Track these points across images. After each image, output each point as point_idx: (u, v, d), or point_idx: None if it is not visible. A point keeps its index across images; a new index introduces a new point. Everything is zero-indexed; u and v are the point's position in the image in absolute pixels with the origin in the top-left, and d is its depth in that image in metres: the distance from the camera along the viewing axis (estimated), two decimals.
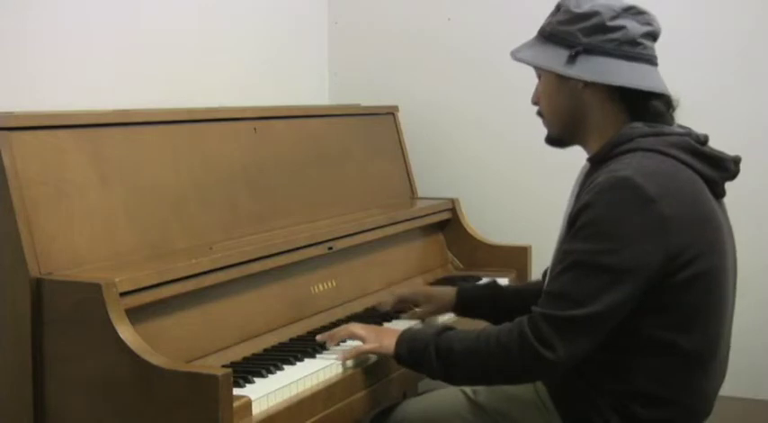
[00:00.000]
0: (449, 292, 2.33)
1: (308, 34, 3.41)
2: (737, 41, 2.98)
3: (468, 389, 2.06)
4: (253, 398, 1.75)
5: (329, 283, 2.43)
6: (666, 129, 1.87)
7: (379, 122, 3.11)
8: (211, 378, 1.63)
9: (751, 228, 2.82)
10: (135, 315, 1.79)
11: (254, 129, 2.49)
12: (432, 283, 2.73)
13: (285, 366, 1.98)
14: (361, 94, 3.35)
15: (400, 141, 3.17)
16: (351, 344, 2.08)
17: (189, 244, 2.14)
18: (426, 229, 2.97)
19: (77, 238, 1.91)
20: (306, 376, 1.93)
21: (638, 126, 1.87)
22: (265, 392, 1.82)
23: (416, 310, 2.39)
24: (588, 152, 1.95)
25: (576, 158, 2.00)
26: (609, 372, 1.83)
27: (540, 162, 2.78)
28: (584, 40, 1.86)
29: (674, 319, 1.79)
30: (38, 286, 1.80)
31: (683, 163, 1.83)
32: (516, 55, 1.96)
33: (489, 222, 3.19)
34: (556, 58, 1.89)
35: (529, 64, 1.95)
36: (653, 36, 1.90)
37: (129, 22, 2.57)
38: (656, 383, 1.81)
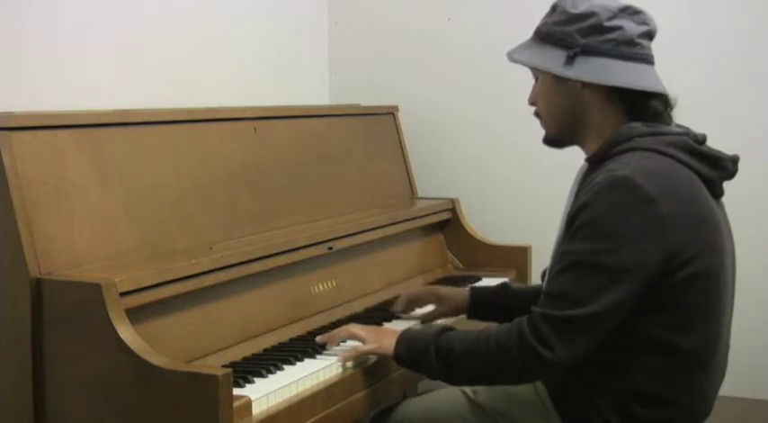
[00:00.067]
0: (461, 293, 2.33)
1: (308, 34, 3.41)
2: (737, 41, 2.98)
3: (468, 389, 2.06)
4: (253, 398, 1.75)
5: (329, 283, 2.43)
6: (664, 128, 1.87)
7: (379, 122, 3.11)
8: (211, 378, 1.63)
9: (751, 227, 2.82)
10: (135, 315, 1.79)
11: (254, 129, 2.49)
12: (431, 284, 2.73)
13: (285, 366, 1.98)
14: (361, 94, 3.35)
15: (400, 141, 3.17)
16: (351, 344, 2.08)
17: (189, 244, 2.14)
18: (426, 229, 2.97)
19: (77, 238, 1.91)
20: (306, 376, 1.93)
21: (636, 126, 1.87)
22: (265, 392, 1.82)
23: (427, 310, 2.39)
24: (586, 152, 1.96)
25: (575, 158, 2.00)
26: (608, 371, 1.84)
27: (540, 162, 2.79)
28: (582, 40, 1.86)
29: (673, 319, 1.80)
30: (38, 286, 1.80)
31: (681, 162, 1.83)
32: (513, 56, 1.96)
33: (489, 222, 3.19)
34: (553, 60, 1.89)
35: (526, 65, 1.95)
36: (650, 35, 1.90)
37: (129, 22, 2.57)
38: (656, 383, 1.81)
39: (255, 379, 1.89)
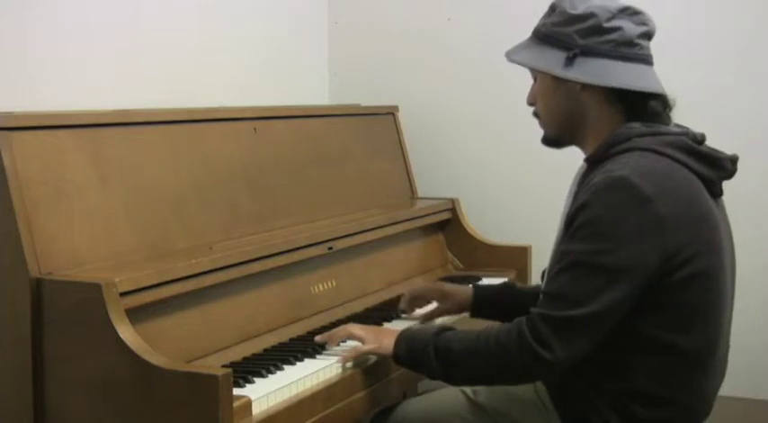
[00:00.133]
0: (464, 290, 2.33)
1: (308, 34, 3.41)
2: (737, 41, 2.98)
3: (468, 389, 2.06)
4: (253, 398, 1.75)
5: (329, 283, 2.43)
6: (663, 128, 1.87)
7: (379, 122, 3.11)
8: (211, 378, 1.63)
9: (750, 227, 2.82)
10: (135, 315, 1.79)
11: (254, 129, 2.49)
12: None
13: (285, 366, 1.98)
14: (361, 94, 3.35)
15: (400, 141, 3.17)
16: (350, 344, 2.08)
17: (189, 244, 2.14)
18: (426, 229, 2.97)
19: (77, 238, 1.91)
20: (306, 376, 1.93)
21: (635, 126, 1.87)
22: (265, 392, 1.82)
23: (430, 308, 2.39)
24: (585, 152, 1.96)
25: (575, 158, 2.00)
26: (608, 371, 1.84)
27: (540, 162, 2.79)
28: (581, 41, 1.86)
29: (672, 319, 1.80)
30: (38, 286, 1.80)
31: (679, 162, 1.83)
32: (512, 57, 1.96)
33: (489, 222, 3.19)
34: (553, 61, 1.89)
35: (526, 66, 1.95)
36: (648, 36, 1.90)
37: (129, 22, 2.57)
38: (656, 383, 1.81)
39: (255, 379, 1.89)
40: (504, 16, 3.20)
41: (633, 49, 1.86)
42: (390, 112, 3.17)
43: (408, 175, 3.17)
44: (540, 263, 2.57)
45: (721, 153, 1.89)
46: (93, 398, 1.77)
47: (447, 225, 3.07)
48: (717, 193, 1.90)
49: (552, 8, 1.93)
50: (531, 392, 2.01)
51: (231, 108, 2.62)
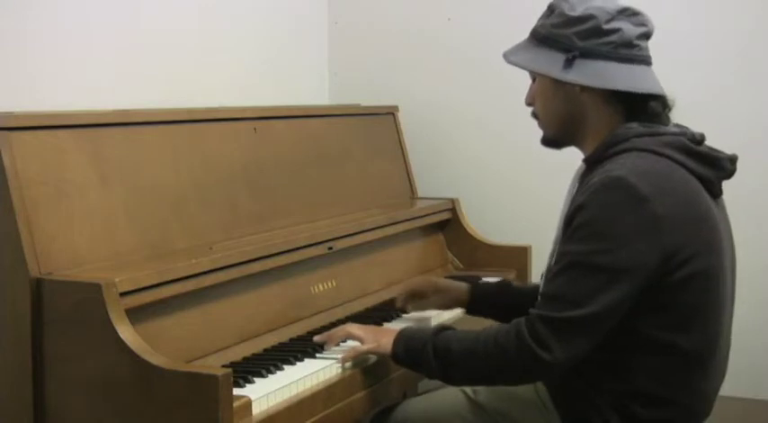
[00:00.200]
0: (460, 286, 2.33)
1: (308, 34, 3.41)
2: (737, 41, 2.98)
3: (468, 388, 2.06)
4: (253, 398, 1.75)
5: (329, 283, 2.43)
6: (661, 128, 1.87)
7: (379, 122, 3.11)
8: (211, 378, 1.63)
9: (751, 227, 2.82)
10: (135, 315, 1.79)
11: (254, 129, 2.49)
12: None
13: (285, 366, 1.99)
14: (361, 94, 3.35)
15: (400, 141, 3.17)
16: (350, 344, 2.08)
17: (189, 244, 2.14)
18: (426, 229, 2.97)
19: (77, 238, 1.91)
20: (306, 376, 1.93)
21: (634, 126, 1.87)
22: (265, 392, 1.82)
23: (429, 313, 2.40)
24: (584, 153, 1.96)
25: (575, 158, 2.00)
26: (608, 371, 1.84)
27: (540, 162, 2.79)
28: (580, 43, 1.86)
29: (672, 319, 1.80)
30: (38, 286, 1.80)
31: (678, 162, 1.83)
32: (510, 58, 1.96)
33: (489, 222, 3.19)
34: (552, 63, 1.88)
35: (525, 68, 1.95)
36: (647, 36, 1.90)
37: (129, 22, 2.57)
38: (656, 383, 1.81)
39: (255, 379, 1.89)
40: (504, 16, 3.20)
41: (632, 51, 1.86)
42: (390, 112, 3.17)
43: (408, 175, 3.17)
44: (540, 263, 2.56)
45: (720, 153, 1.89)
46: (93, 398, 1.77)
47: (447, 225, 3.07)
48: (716, 193, 1.90)
49: (551, 9, 1.93)
50: (531, 392, 2.01)
51: (231, 108, 2.62)
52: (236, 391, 1.72)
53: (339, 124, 2.88)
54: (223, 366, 1.93)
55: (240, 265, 2.10)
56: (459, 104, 3.32)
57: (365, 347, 2.01)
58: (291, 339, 2.21)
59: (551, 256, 1.91)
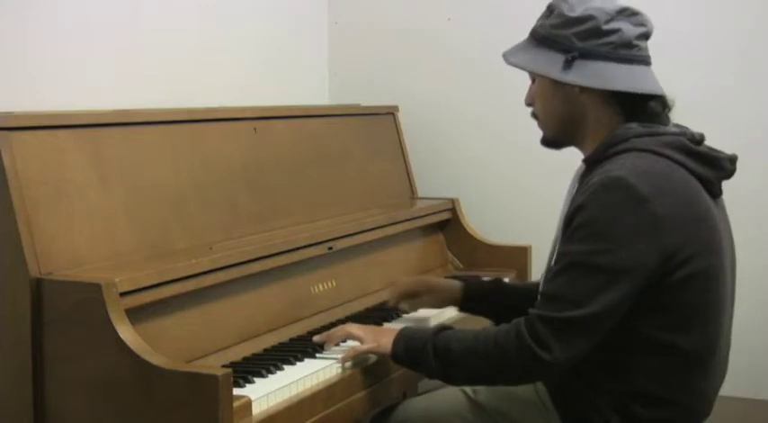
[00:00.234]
0: (454, 285, 2.33)
1: (308, 34, 3.41)
2: (737, 41, 2.98)
3: (468, 388, 2.06)
4: (253, 398, 1.75)
5: (329, 283, 2.43)
6: (661, 129, 1.87)
7: (379, 122, 3.11)
8: (211, 378, 1.63)
9: (751, 227, 2.82)
10: (135, 315, 1.79)
11: (254, 129, 2.49)
12: None
13: (285, 366, 1.99)
14: (361, 94, 3.35)
15: (400, 141, 3.17)
16: (350, 344, 2.08)
17: (189, 244, 2.14)
18: (426, 229, 2.97)
19: (77, 238, 1.91)
20: (306, 376, 1.93)
21: (633, 126, 1.87)
22: (265, 392, 1.82)
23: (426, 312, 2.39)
24: (584, 153, 1.96)
25: (575, 158, 2.00)
26: (608, 372, 1.84)
27: (540, 162, 2.79)
28: (580, 44, 1.86)
29: (672, 319, 1.80)
30: (38, 286, 1.80)
31: (677, 163, 1.83)
32: (510, 59, 1.96)
33: (489, 222, 3.19)
34: (551, 63, 1.88)
35: (524, 69, 1.95)
36: (646, 36, 1.90)
37: (129, 22, 2.57)
38: (656, 383, 1.81)
39: (255, 379, 1.89)
40: (504, 16, 3.20)
41: (632, 51, 1.86)
42: (390, 112, 3.17)
43: (408, 175, 3.17)
44: (540, 263, 2.56)
45: (720, 153, 1.89)
46: (93, 398, 1.77)
47: (447, 225, 3.07)
48: (716, 193, 1.90)
49: (550, 9, 1.93)
50: (531, 392, 2.01)
51: (231, 108, 2.62)
52: (236, 391, 1.72)
53: (339, 124, 2.88)
54: (223, 366, 1.93)
55: (240, 265, 2.10)
56: (459, 104, 3.32)
57: (365, 347, 2.01)
58: (291, 339, 2.21)
59: (551, 256, 1.91)
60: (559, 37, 1.88)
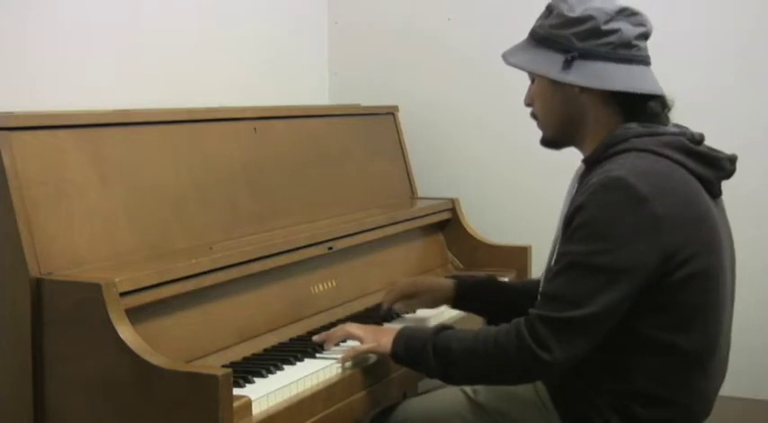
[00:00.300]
0: (446, 284, 2.32)
1: (308, 34, 3.41)
2: (737, 41, 2.98)
3: (468, 388, 2.06)
4: (253, 398, 1.75)
5: (329, 283, 2.43)
6: (661, 129, 1.87)
7: (379, 122, 3.11)
8: (211, 378, 1.63)
9: (750, 227, 2.82)
10: (135, 315, 1.79)
11: (254, 129, 2.49)
12: None
13: (285, 366, 1.99)
14: (361, 94, 3.35)
15: (400, 141, 3.17)
16: (349, 344, 2.08)
17: (189, 244, 2.14)
18: (426, 229, 2.97)
19: (77, 238, 1.91)
20: (306, 376, 1.93)
21: (633, 126, 1.87)
22: (265, 392, 1.82)
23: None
24: (583, 153, 1.96)
25: (575, 158, 2.00)
26: (608, 372, 1.84)
27: (540, 162, 2.79)
28: (579, 44, 1.86)
29: (672, 319, 1.80)
30: (38, 286, 1.80)
31: (677, 163, 1.83)
32: (509, 59, 1.96)
33: (489, 222, 3.19)
34: (551, 64, 1.88)
35: (524, 69, 1.95)
36: (646, 36, 1.90)
37: (129, 22, 2.57)
38: (656, 383, 1.82)
39: (255, 379, 1.89)
40: (504, 16, 3.20)
41: (631, 51, 1.86)
42: (390, 112, 3.17)
43: (408, 175, 3.17)
44: (540, 263, 2.56)
45: (720, 153, 1.89)
46: (93, 398, 1.77)
47: (447, 225, 3.07)
48: (715, 193, 1.90)
49: (549, 9, 1.93)
50: (531, 392, 2.01)
51: (231, 108, 2.62)
52: (236, 391, 1.72)
53: (339, 124, 2.88)
54: (223, 366, 1.93)
55: (240, 265, 2.10)
56: (459, 104, 3.32)
57: (365, 347, 2.01)
58: (291, 339, 2.21)
59: (551, 256, 1.91)
60: (559, 37, 1.88)
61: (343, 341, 2.11)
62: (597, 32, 1.85)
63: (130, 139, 2.12)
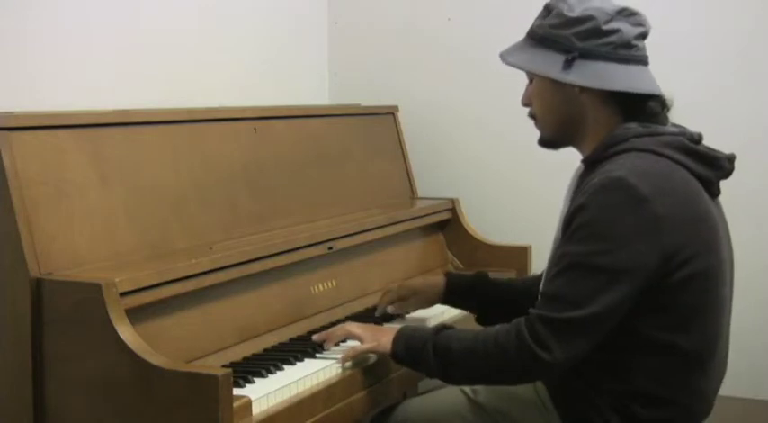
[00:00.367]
0: (437, 284, 2.31)
1: (308, 34, 3.41)
2: (737, 41, 2.98)
3: (468, 388, 2.06)
4: (253, 398, 1.75)
5: (329, 283, 2.43)
6: (660, 128, 1.87)
7: (379, 122, 3.11)
8: (211, 378, 1.63)
9: (750, 227, 2.82)
10: (135, 315, 1.80)
11: (254, 129, 2.49)
12: None
13: (285, 366, 1.99)
14: (361, 94, 3.35)
15: (400, 141, 3.17)
16: (349, 344, 2.08)
17: (189, 244, 2.14)
18: (426, 229, 2.97)
19: (77, 238, 1.91)
20: (306, 376, 1.93)
21: (632, 126, 1.87)
22: (265, 392, 1.82)
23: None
24: (582, 153, 1.96)
25: (575, 159, 2.00)
26: (608, 372, 1.84)
27: (540, 162, 2.79)
28: (580, 44, 1.85)
29: (672, 319, 1.80)
30: (38, 286, 1.80)
31: (677, 162, 1.83)
32: (508, 59, 1.95)
33: (489, 222, 3.19)
34: (551, 64, 1.88)
35: (523, 69, 1.95)
36: (644, 36, 1.90)
37: (129, 22, 2.57)
38: (656, 383, 1.82)
39: (255, 379, 1.90)
40: (504, 16, 3.20)
41: (631, 51, 1.86)
42: (390, 112, 3.17)
43: (408, 175, 3.17)
44: (540, 263, 2.57)
45: (718, 152, 1.90)
46: (93, 398, 1.77)
47: (447, 225, 3.07)
48: (715, 193, 1.90)
49: (548, 9, 1.93)
50: (531, 392, 2.01)
51: (231, 108, 2.62)
52: (236, 391, 1.72)
53: (339, 124, 2.88)
54: (223, 366, 1.94)
55: (240, 265, 2.10)
56: (459, 104, 3.32)
57: (365, 346, 2.01)
58: (291, 339, 2.21)
59: (551, 256, 1.91)
60: (559, 37, 1.87)
61: (343, 341, 2.11)
62: (598, 32, 1.85)
63: (130, 139, 2.12)
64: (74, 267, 1.87)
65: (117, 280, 1.77)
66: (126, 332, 1.72)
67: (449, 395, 2.09)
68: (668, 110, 1.92)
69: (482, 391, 2.06)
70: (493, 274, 2.33)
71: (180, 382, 1.66)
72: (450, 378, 1.91)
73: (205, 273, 2.00)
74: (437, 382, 1.96)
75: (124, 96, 2.50)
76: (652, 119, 1.88)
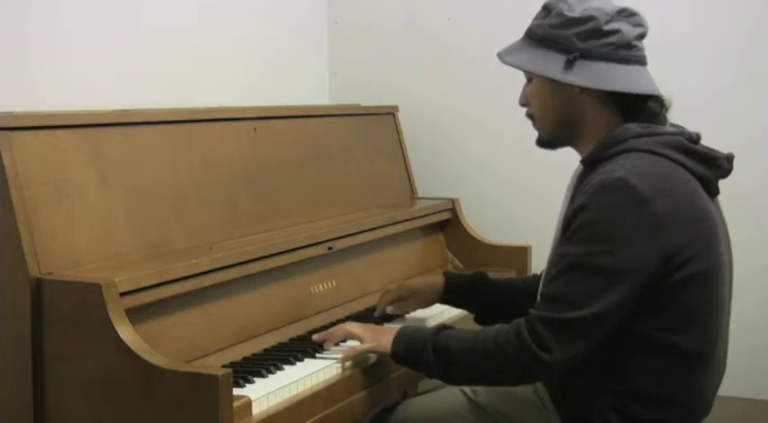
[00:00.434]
0: (436, 284, 2.32)
1: (308, 34, 3.41)
2: (737, 41, 2.98)
3: (467, 388, 2.06)
4: (253, 398, 1.75)
5: (329, 283, 2.43)
6: (659, 128, 1.87)
7: (379, 122, 3.11)
8: (211, 378, 1.63)
9: (750, 227, 2.82)
10: (135, 315, 1.80)
11: (254, 129, 2.49)
12: None
13: (285, 366, 1.99)
14: (361, 94, 3.35)
15: (400, 141, 3.17)
16: (349, 344, 2.08)
17: (189, 244, 2.14)
18: (426, 229, 2.97)
19: (77, 238, 1.91)
20: (306, 376, 1.93)
21: (632, 127, 1.87)
22: (265, 392, 1.82)
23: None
24: (581, 154, 1.96)
25: (575, 159, 2.00)
26: (608, 372, 1.84)
27: (540, 162, 2.79)
28: (581, 44, 1.85)
29: (671, 320, 1.80)
30: (38, 286, 1.80)
31: (677, 162, 1.83)
32: (507, 59, 1.95)
33: (489, 222, 3.19)
34: (551, 64, 1.88)
35: (523, 69, 1.94)
36: (643, 37, 1.90)
37: (129, 22, 2.57)
38: (655, 383, 1.82)
39: (255, 379, 1.90)
40: (504, 16, 3.20)
41: (631, 51, 1.86)
42: (390, 112, 3.17)
43: (408, 175, 3.17)
44: (540, 263, 2.56)
45: (717, 152, 1.90)
46: (93, 398, 1.77)
47: (447, 225, 3.07)
48: (713, 193, 1.90)
49: (547, 9, 1.92)
50: (531, 392, 2.01)
51: (231, 108, 2.62)
52: (236, 391, 1.72)
53: (339, 124, 2.88)
54: (223, 366, 1.94)
55: (240, 265, 2.10)
56: (459, 104, 3.32)
57: (365, 346, 2.01)
58: (291, 339, 2.21)
59: (551, 256, 1.91)
60: (559, 37, 1.87)
61: (343, 341, 2.11)
62: (598, 33, 1.85)
63: (130, 139, 2.12)
64: (74, 267, 1.87)
65: (117, 280, 1.77)
66: (126, 332, 1.73)
67: (449, 395, 2.09)
68: (667, 110, 1.92)
69: (482, 392, 2.06)
70: (492, 274, 2.33)
71: (180, 382, 1.66)
72: (450, 378, 1.91)
73: (205, 273, 2.00)
74: (437, 382, 1.96)
75: (124, 96, 2.50)
76: (651, 119, 1.88)
